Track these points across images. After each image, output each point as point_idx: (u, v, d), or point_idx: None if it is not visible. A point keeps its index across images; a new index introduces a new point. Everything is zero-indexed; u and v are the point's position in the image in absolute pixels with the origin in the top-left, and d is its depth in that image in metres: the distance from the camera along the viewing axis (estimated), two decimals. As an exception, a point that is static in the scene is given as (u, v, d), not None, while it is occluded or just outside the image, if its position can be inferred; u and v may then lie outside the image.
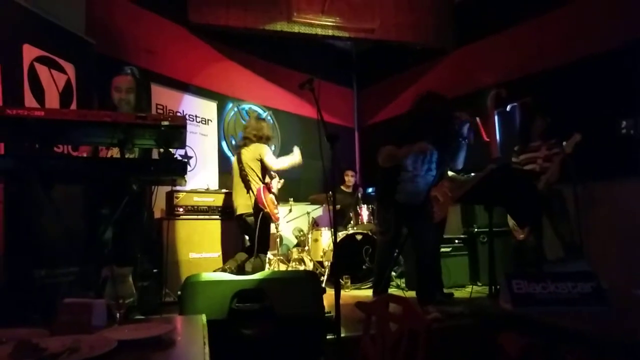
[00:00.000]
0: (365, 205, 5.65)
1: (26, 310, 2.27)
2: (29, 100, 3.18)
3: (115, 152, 2.72)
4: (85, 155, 3.00)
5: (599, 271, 1.63)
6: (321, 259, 5.26)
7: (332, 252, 5.02)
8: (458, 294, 4.23)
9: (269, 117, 6.42)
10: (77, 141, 2.71)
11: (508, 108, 5.45)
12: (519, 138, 4.31)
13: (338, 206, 5.75)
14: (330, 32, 5.87)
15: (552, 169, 3.81)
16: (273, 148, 3.90)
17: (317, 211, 5.89)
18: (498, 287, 2.85)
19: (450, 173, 3.85)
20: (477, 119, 5.80)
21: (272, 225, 4.46)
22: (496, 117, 5.61)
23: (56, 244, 2.36)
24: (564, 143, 3.76)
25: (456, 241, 4.78)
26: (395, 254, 4.98)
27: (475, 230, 4.82)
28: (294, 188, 6.02)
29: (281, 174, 4.53)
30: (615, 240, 4.22)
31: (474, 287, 4.47)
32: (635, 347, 1.11)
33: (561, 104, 4.62)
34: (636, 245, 4.06)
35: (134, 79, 3.05)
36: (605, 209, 4.30)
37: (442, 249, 4.20)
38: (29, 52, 3.21)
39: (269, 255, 5.68)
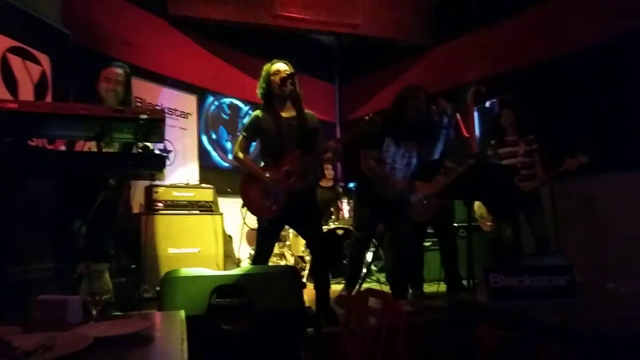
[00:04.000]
0: (345, 200, 5.68)
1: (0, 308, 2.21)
2: (2, 92, 3.10)
3: (92, 146, 2.67)
4: (61, 148, 2.94)
5: (574, 265, 1.67)
6: (302, 254, 5.26)
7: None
8: (438, 287, 4.27)
9: (250, 112, 6.38)
10: (53, 134, 2.65)
11: (487, 104, 5.53)
12: (492, 132, 4.33)
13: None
14: (312, 27, 5.85)
15: (540, 175, 3.87)
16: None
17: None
18: (476, 280, 2.89)
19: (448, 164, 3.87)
20: (457, 115, 5.88)
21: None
22: (476, 113, 5.68)
23: (30, 240, 2.31)
24: (567, 159, 3.69)
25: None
26: (375, 249, 5.04)
27: (454, 224, 4.87)
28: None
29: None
30: (590, 234, 4.32)
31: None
32: (604, 338, 1.14)
33: (541, 100, 4.71)
34: (610, 239, 4.17)
35: (124, 73, 3.03)
36: (580, 204, 4.40)
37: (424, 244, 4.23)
38: (2, 43, 3.13)
39: (250, 250, 5.67)
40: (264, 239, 3.08)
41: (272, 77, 3.07)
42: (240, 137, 3.15)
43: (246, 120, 3.26)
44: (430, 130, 3.48)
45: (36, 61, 3.39)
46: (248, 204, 3.04)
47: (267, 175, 2.96)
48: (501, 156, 4.11)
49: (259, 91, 3.16)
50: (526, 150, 3.99)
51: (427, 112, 3.45)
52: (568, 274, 1.63)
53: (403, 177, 3.46)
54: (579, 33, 4.62)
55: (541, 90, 4.81)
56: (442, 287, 3.99)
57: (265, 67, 3.14)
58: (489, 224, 4.18)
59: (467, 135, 5.72)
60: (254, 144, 3.22)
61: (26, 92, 3.29)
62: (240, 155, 3.08)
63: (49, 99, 3.45)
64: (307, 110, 3.14)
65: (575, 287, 1.59)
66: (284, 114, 3.10)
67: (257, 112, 3.17)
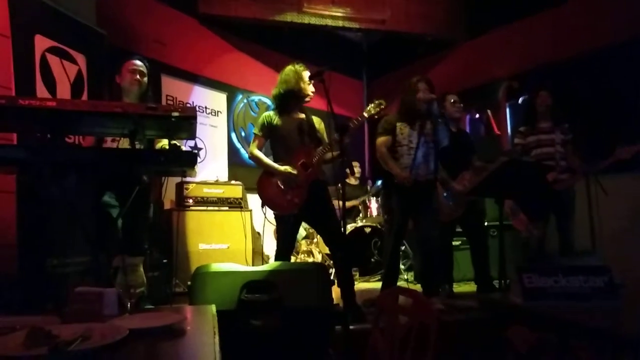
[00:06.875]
0: (374, 198, 5.65)
1: (39, 299, 2.30)
2: (41, 91, 3.20)
3: (122, 143, 2.73)
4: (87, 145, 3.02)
5: (613, 266, 1.61)
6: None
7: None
8: (468, 287, 4.21)
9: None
10: (89, 132, 2.72)
11: (520, 100, 5.39)
12: (524, 118, 3.98)
13: (357, 201, 5.64)
14: (340, 23, 5.83)
15: (578, 169, 3.64)
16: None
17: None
18: (508, 280, 2.83)
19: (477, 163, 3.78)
20: (489, 112, 5.76)
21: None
22: (508, 110, 5.55)
23: (68, 234, 2.38)
24: (619, 148, 3.42)
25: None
26: (403, 248, 4.99)
27: (485, 223, 4.78)
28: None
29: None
30: (630, 234, 4.16)
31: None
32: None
33: (573, 96, 4.56)
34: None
35: (146, 67, 3.06)
36: (617, 203, 4.24)
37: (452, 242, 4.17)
38: (41, 43, 3.23)
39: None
40: (285, 235, 3.15)
41: (303, 85, 3.16)
42: (255, 137, 3.24)
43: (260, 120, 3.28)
44: (430, 120, 3.40)
45: (73, 60, 3.50)
46: (268, 201, 3.10)
47: (286, 167, 3.05)
48: (531, 145, 3.76)
49: (282, 88, 3.18)
50: (563, 139, 3.67)
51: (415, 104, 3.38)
52: (606, 275, 1.57)
53: (423, 157, 3.37)
54: (616, 26, 4.45)
55: (576, 86, 4.65)
56: (473, 286, 3.92)
57: (297, 70, 3.17)
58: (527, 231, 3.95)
59: (499, 133, 5.62)
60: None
61: (64, 91, 3.39)
62: (256, 153, 3.18)
63: (84, 97, 3.55)
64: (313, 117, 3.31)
65: (614, 289, 1.53)
66: (297, 116, 3.25)
67: (270, 113, 3.25)
